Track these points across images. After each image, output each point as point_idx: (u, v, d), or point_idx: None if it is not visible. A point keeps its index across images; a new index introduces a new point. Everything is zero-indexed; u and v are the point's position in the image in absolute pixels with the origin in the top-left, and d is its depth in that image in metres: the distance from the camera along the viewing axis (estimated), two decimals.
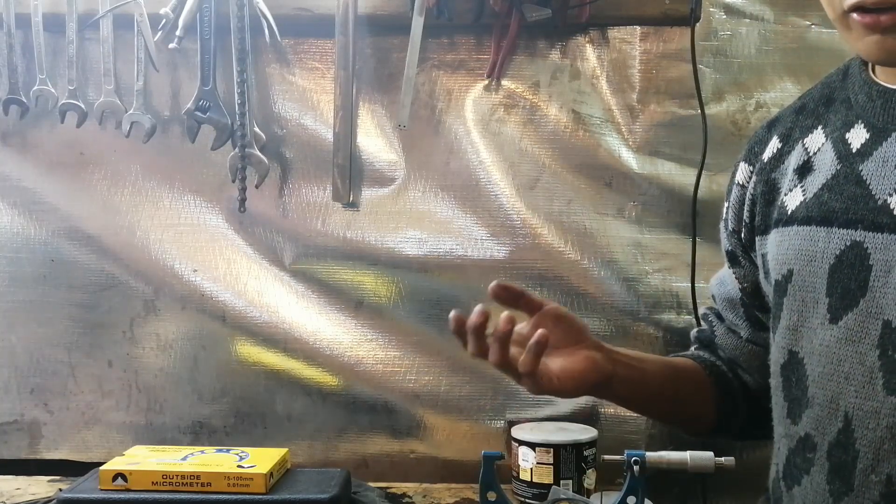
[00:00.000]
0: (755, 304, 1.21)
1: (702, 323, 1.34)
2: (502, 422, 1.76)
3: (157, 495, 1.47)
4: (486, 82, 1.72)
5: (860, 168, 1.02)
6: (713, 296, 1.31)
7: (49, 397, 1.79)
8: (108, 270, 1.77)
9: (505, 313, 1.05)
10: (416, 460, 1.77)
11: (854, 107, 1.07)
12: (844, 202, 1.02)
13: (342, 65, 1.69)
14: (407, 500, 1.66)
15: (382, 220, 1.75)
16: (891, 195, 0.99)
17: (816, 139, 1.09)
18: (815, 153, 1.09)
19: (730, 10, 1.71)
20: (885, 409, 0.96)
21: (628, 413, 1.73)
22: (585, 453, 1.62)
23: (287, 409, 1.78)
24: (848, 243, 1.01)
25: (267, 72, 1.73)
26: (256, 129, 1.70)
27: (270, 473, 1.50)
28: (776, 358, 1.10)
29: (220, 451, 1.59)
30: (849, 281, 1.00)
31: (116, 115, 1.71)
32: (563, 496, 1.33)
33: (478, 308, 1.06)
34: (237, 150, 1.69)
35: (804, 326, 1.05)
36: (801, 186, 1.08)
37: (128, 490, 1.47)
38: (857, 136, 1.04)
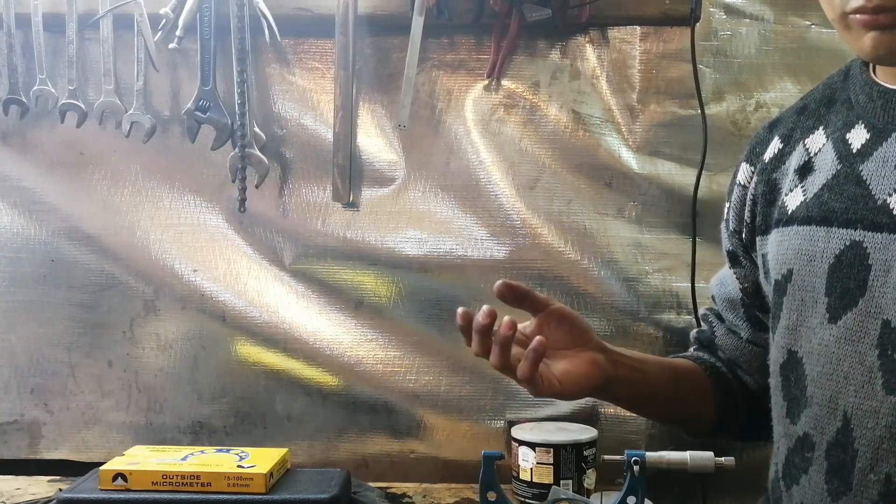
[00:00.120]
0: (756, 305, 1.21)
1: (701, 323, 1.34)
2: (502, 422, 1.76)
3: (157, 495, 1.47)
4: (486, 82, 1.72)
5: (860, 168, 1.02)
6: (713, 296, 1.31)
7: (49, 397, 1.79)
8: (108, 270, 1.77)
9: (507, 318, 1.05)
10: (416, 460, 1.77)
11: (855, 107, 1.07)
12: (844, 202, 1.03)
13: (342, 65, 1.69)
14: (407, 500, 1.66)
15: (382, 220, 1.75)
16: (890, 195, 0.99)
17: (817, 140, 1.09)
18: (815, 154, 1.09)
19: (730, 10, 1.71)
20: (884, 409, 0.96)
21: (628, 413, 1.72)
22: (585, 453, 1.62)
23: (287, 409, 1.78)
24: (847, 243, 1.01)
25: (267, 72, 1.73)
26: (256, 129, 1.70)
27: (270, 473, 1.50)
28: (775, 357, 1.10)
29: (220, 451, 1.59)
30: (848, 280, 1.01)
31: (116, 115, 1.71)
32: (563, 496, 1.33)
33: (485, 308, 1.05)
34: (237, 150, 1.69)
35: (803, 326, 1.05)
36: (802, 187, 1.08)
37: (128, 490, 1.47)
38: (858, 137, 1.05)
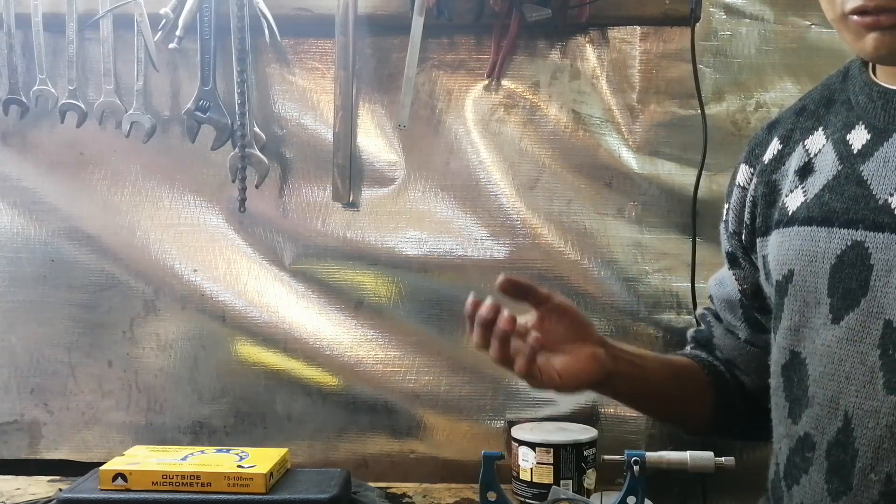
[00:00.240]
0: (755, 306, 1.21)
1: (699, 323, 1.34)
2: (502, 422, 1.76)
3: (157, 495, 1.47)
4: (486, 82, 1.72)
5: (861, 169, 1.02)
6: (711, 296, 1.31)
7: (49, 397, 1.79)
8: (108, 270, 1.77)
9: (506, 312, 1.05)
10: (416, 460, 1.77)
11: (855, 108, 1.07)
12: (845, 202, 1.02)
13: (342, 65, 1.69)
14: (407, 500, 1.66)
15: (382, 220, 1.75)
16: (891, 195, 0.99)
17: (817, 140, 1.09)
18: (815, 154, 1.09)
19: (730, 10, 1.71)
20: (884, 409, 0.96)
21: (628, 413, 1.73)
22: (585, 453, 1.62)
23: (287, 409, 1.78)
24: (849, 243, 1.01)
25: (267, 72, 1.73)
26: (256, 129, 1.70)
27: (270, 473, 1.50)
28: (777, 358, 1.10)
29: (220, 451, 1.59)
30: (850, 281, 1.00)
31: (116, 115, 1.71)
32: (563, 496, 1.33)
33: (490, 303, 1.06)
34: (237, 150, 1.69)
35: (806, 327, 1.05)
36: (802, 187, 1.08)
37: (128, 490, 1.47)
38: (858, 137, 1.05)
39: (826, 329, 1.02)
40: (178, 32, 1.65)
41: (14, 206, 1.77)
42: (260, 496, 1.47)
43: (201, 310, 1.77)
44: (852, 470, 0.98)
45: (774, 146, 1.14)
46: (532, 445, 1.62)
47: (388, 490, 1.68)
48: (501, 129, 1.72)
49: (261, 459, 1.53)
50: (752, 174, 1.16)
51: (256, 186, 1.71)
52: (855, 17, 0.97)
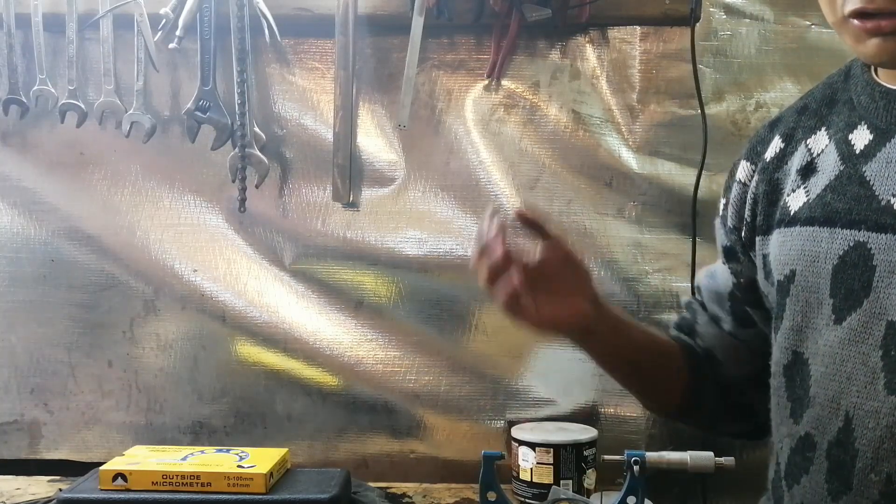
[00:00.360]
0: (748, 300, 1.20)
1: (684, 311, 1.33)
2: (502, 422, 1.76)
3: (157, 495, 1.47)
4: (486, 82, 1.72)
5: (864, 169, 1.02)
6: (699, 287, 1.30)
7: (49, 397, 1.79)
8: (108, 270, 1.77)
9: (504, 248, 1.05)
10: (416, 460, 1.77)
11: (857, 108, 1.07)
12: (848, 203, 1.02)
13: (342, 65, 1.69)
14: (407, 500, 1.66)
15: (382, 220, 1.75)
16: (894, 196, 0.99)
17: (820, 140, 1.09)
18: (818, 154, 1.08)
19: (730, 10, 1.71)
20: (885, 409, 0.96)
21: (628, 413, 1.74)
22: (585, 453, 1.62)
23: (287, 409, 1.78)
24: (851, 244, 1.01)
25: (267, 72, 1.73)
26: (256, 129, 1.70)
27: (270, 473, 1.50)
28: (779, 358, 1.10)
29: (220, 451, 1.59)
30: (852, 281, 1.00)
31: (116, 115, 1.71)
32: (563, 496, 1.33)
33: (504, 248, 1.05)
34: (237, 150, 1.69)
35: (808, 327, 1.05)
36: (805, 187, 1.08)
37: (128, 490, 1.47)
38: (861, 138, 1.04)
39: (828, 330, 1.02)
40: (178, 32, 1.65)
41: (14, 206, 1.77)
42: (260, 496, 1.47)
43: (201, 310, 1.77)
44: (852, 470, 0.98)
45: (776, 144, 1.14)
46: (532, 445, 1.62)
47: (388, 490, 1.68)
48: (501, 129, 1.72)
49: (261, 459, 1.53)
50: (754, 171, 1.16)
51: (256, 186, 1.71)
52: (855, 21, 0.97)
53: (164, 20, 1.66)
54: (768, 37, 1.70)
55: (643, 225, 1.73)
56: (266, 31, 1.66)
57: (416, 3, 1.63)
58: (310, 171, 1.74)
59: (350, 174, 1.72)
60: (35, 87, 1.70)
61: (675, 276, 1.73)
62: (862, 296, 0.99)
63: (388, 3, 1.68)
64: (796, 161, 1.11)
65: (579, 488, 1.61)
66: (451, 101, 1.72)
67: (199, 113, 1.69)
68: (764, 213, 1.13)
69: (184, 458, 1.53)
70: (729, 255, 1.22)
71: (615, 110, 1.71)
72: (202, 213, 1.76)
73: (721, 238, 1.23)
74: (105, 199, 1.76)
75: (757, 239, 1.15)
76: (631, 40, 1.70)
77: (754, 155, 1.17)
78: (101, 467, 1.50)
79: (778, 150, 1.13)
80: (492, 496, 1.24)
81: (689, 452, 1.22)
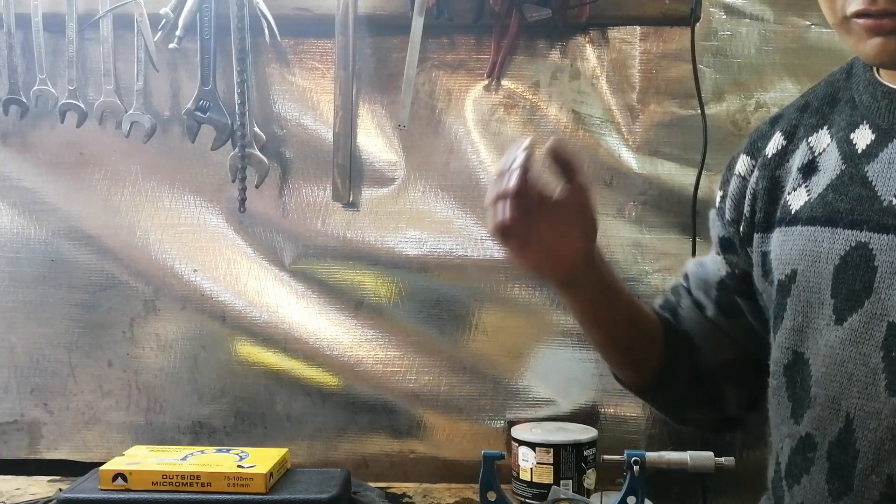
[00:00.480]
0: (739, 290, 1.19)
1: (669, 294, 1.30)
2: (502, 422, 1.76)
3: (157, 495, 1.47)
4: (486, 82, 1.72)
5: (866, 169, 1.02)
6: (686, 273, 1.28)
7: (49, 397, 1.79)
8: (108, 270, 1.77)
9: (521, 174, 1.01)
10: (416, 460, 1.77)
11: (859, 107, 1.06)
12: (849, 203, 1.02)
13: (342, 65, 1.69)
14: (407, 500, 1.66)
15: (382, 220, 1.75)
16: None
17: (822, 139, 1.09)
18: (820, 153, 1.08)
19: (730, 10, 1.71)
20: (886, 410, 0.96)
21: (628, 413, 1.74)
22: (585, 453, 1.62)
23: (287, 409, 1.78)
24: (853, 244, 1.01)
25: (267, 72, 1.73)
26: (256, 129, 1.70)
27: (270, 473, 1.50)
28: (779, 358, 1.10)
29: (220, 451, 1.59)
30: (854, 282, 1.00)
31: (116, 115, 1.71)
32: (563, 496, 1.33)
33: (522, 176, 1.01)
34: (237, 150, 1.69)
35: (809, 327, 1.05)
36: (806, 186, 1.08)
37: (128, 490, 1.47)
38: (863, 137, 1.04)
39: (829, 330, 1.02)
40: (178, 32, 1.65)
41: (14, 206, 1.77)
42: (260, 496, 1.47)
43: (201, 310, 1.77)
44: (853, 471, 0.98)
45: (778, 141, 1.13)
46: (532, 445, 1.62)
47: (388, 490, 1.68)
48: (501, 129, 1.72)
49: (261, 459, 1.53)
50: (754, 166, 1.15)
51: (256, 186, 1.71)
52: (857, 21, 0.97)
53: (164, 20, 1.66)
54: (768, 37, 1.70)
55: (643, 225, 1.73)
56: (266, 31, 1.66)
57: (416, 3, 1.63)
58: (310, 171, 1.75)
59: (350, 174, 1.72)
60: (35, 87, 1.70)
61: (675, 276, 1.71)
62: (863, 296, 0.99)
63: (388, 3, 1.68)
64: (797, 159, 1.10)
65: (579, 488, 1.61)
66: (451, 101, 1.72)
67: (199, 113, 1.69)
68: (764, 210, 1.13)
69: (184, 458, 1.53)
70: (725, 246, 1.21)
71: (615, 110, 1.71)
72: (202, 213, 1.76)
73: (718, 229, 1.22)
74: (105, 199, 1.76)
75: (755, 235, 1.14)
76: (631, 40, 1.70)
77: (754, 150, 1.16)
78: (101, 467, 1.50)
79: (780, 148, 1.13)
80: (492, 496, 1.24)
81: (689, 452, 1.22)
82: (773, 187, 1.12)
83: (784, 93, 1.69)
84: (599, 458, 1.49)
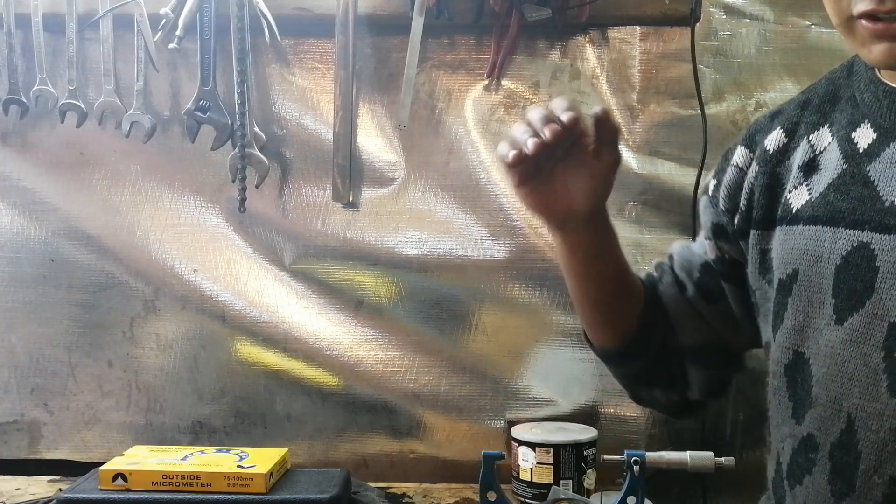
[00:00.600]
0: (726, 274, 1.18)
1: (652, 270, 1.29)
2: (502, 422, 1.76)
3: (157, 495, 1.47)
4: (486, 82, 1.72)
5: (867, 169, 1.02)
6: (671, 254, 1.27)
7: (49, 397, 1.79)
8: (108, 270, 1.77)
9: (552, 129, 1.03)
10: (416, 460, 1.77)
11: (860, 106, 1.06)
12: (851, 202, 1.02)
13: (342, 65, 1.69)
14: (407, 500, 1.66)
15: (382, 220, 1.75)
16: None
17: (823, 137, 1.08)
18: (821, 152, 1.08)
19: (730, 10, 1.71)
20: (888, 411, 0.96)
21: (628, 413, 1.74)
22: (585, 453, 1.62)
23: (287, 409, 1.78)
24: (855, 244, 1.01)
25: (267, 72, 1.73)
26: (256, 129, 1.70)
27: (270, 473, 1.50)
28: (779, 357, 1.09)
29: (220, 451, 1.59)
30: (855, 282, 1.00)
31: (116, 115, 1.71)
32: (563, 496, 1.33)
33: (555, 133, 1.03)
34: (237, 150, 1.69)
35: (810, 327, 1.04)
36: (807, 185, 1.07)
37: (128, 490, 1.47)
38: (864, 136, 1.04)
39: (829, 330, 1.02)
40: (178, 32, 1.65)
41: (14, 206, 1.77)
42: (260, 496, 1.47)
43: (201, 310, 1.77)
44: (856, 472, 0.98)
45: (778, 137, 1.12)
46: (532, 445, 1.62)
47: (388, 490, 1.68)
48: (501, 129, 1.72)
49: (261, 459, 1.53)
50: (752, 159, 1.14)
51: (256, 186, 1.71)
52: (864, 23, 0.96)
53: (164, 20, 1.66)
54: (768, 37, 1.70)
55: (643, 225, 1.73)
56: (266, 31, 1.66)
57: (416, 3, 1.63)
58: (310, 171, 1.75)
59: (350, 174, 1.72)
60: (35, 87, 1.70)
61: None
62: (864, 296, 0.99)
63: (388, 3, 1.68)
64: (798, 157, 1.10)
65: (579, 488, 1.61)
66: (451, 101, 1.72)
67: (199, 113, 1.69)
68: (763, 206, 1.12)
69: (184, 458, 1.53)
70: (718, 232, 1.19)
71: (615, 110, 1.71)
72: (202, 213, 1.76)
73: (710, 215, 1.19)
74: (105, 199, 1.76)
75: (752, 231, 1.13)
76: (631, 40, 1.70)
77: (752, 142, 1.15)
78: (101, 467, 1.50)
79: (781, 145, 1.12)
80: (492, 496, 1.24)
81: (689, 452, 1.22)
82: (773, 184, 1.11)
83: (784, 93, 1.69)
84: (599, 458, 1.49)
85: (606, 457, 1.23)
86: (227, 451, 1.59)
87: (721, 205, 1.18)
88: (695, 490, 1.72)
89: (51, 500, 1.55)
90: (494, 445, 1.71)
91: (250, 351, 1.77)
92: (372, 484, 1.68)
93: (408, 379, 1.76)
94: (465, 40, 1.72)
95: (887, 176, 1.00)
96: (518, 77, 1.72)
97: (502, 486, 1.26)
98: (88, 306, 1.77)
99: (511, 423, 1.73)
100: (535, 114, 1.06)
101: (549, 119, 1.05)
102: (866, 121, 1.04)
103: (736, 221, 1.16)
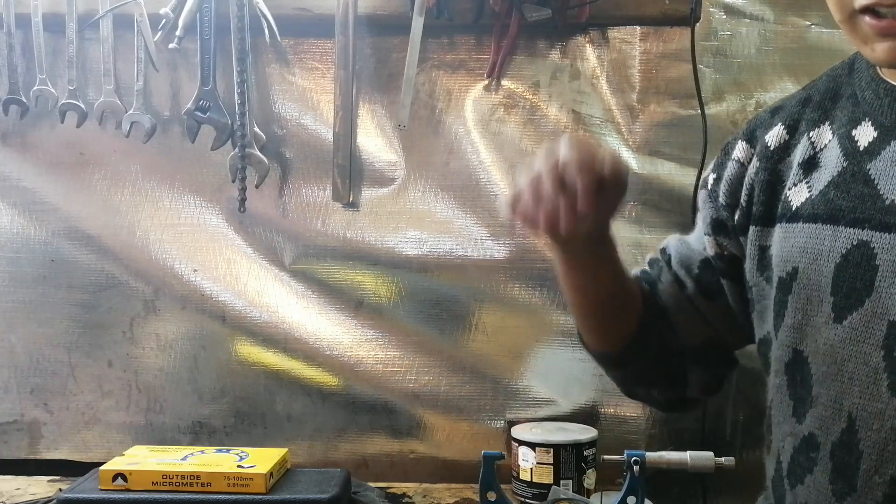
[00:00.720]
0: (725, 271, 1.18)
1: (647, 267, 1.27)
2: (502, 422, 1.76)
3: (157, 495, 1.47)
4: (486, 82, 1.72)
5: (868, 167, 1.02)
6: (666, 248, 1.25)
7: (49, 397, 1.79)
8: (108, 270, 1.77)
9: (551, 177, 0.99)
10: (416, 460, 1.77)
11: (861, 103, 1.06)
12: (851, 201, 1.02)
13: (342, 65, 1.69)
14: (407, 500, 1.66)
15: (382, 220, 1.75)
16: None
17: (823, 135, 1.08)
18: (821, 149, 1.07)
19: (730, 10, 1.71)
20: (889, 410, 0.96)
21: (628, 413, 1.74)
22: (585, 453, 1.62)
23: (287, 409, 1.78)
24: (854, 242, 1.00)
25: (267, 72, 1.73)
26: (256, 129, 1.70)
27: (270, 473, 1.50)
28: (780, 356, 1.09)
29: (220, 451, 1.59)
30: (854, 280, 1.00)
31: (116, 115, 1.71)
32: (563, 496, 1.33)
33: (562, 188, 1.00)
34: (237, 150, 1.69)
35: (809, 325, 1.04)
36: (807, 182, 1.07)
37: (128, 490, 1.47)
38: (865, 134, 1.04)
39: (828, 328, 1.02)
40: (178, 32, 1.65)
41: (14, 206, 1.77)
42: (260, 496, 1.47)
43: (201, 310, 1.77)
44: (857, 471, 0.98)
45: (779, 133, 1.12)
46: (532, 445, 1.62)
47: (388, 490, 1.68)
48: (501, 129, 1.72)
49: (261, 459, 1.53)
50: (752, 154, 1.14)
51: (256, 186, 1.71)
52: (867, 19, 0.96)
53: (164, 20, 1.66)
54: (768, 37, 1.70)
55: (643, 225, 1.73)
56: (266, 31, 1.66)
57: (416, 3, 1.63)
58: (310, 171, 1.75)
59: (350, 174, 1.72)
60: (35, 87, 1.70)
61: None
62: (864, 295, 0.99)
63: (388, 3, 1.68)
64: (799, 154, 1.09)
65: (579, 488, 1.61)
66: (451, 101, 1.72)
67: (199, 113, 1.69)
68: (763, 203, 1.12)
69: (184, 458, 1.53)
70: (718, 228, 1.18)
71: (615, 110, 1.71)
72: (202, 213, 1.76)
73: (709, 211, 1.19)
74: (105, 199, 1.76)
75: (752, 228, 1.13)
76: (631, 40, 1.70)
77: (753, 138, 1.15)
78: (101, 467, 1.50)
79: (782, 141, 1.12)
80: (492, 496, 1.24)
81: (689, 452, 1.22)
82: (774, 181, 1.11)
83: (784, 93, 1.68)
84: (599, 458, 1.49)
85: (606, 457, 1.23)
86: (227, 451, 1.59)
87: (721, 199, 1.17)
88: (695, 490, 1.72)
89: (51, 500, 1.55)
90: (494, 445, 1.71)
91: (250, 351, 1.77)
92: (372, 484, 1.68)
93: (408, 379, 1.76)
94: (465, 40, 1.72)
95: (888, 174, 0.99)
96: (518, 77, 1.72)
97: (502, 486, 1.26)
98: (88, 306, 1.77)
99: (511, 423, 1.73)
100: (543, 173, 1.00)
101: (557, 170, 1.00)
102: (867, 119, 1.04)
103: (736, 217, 1.15)
